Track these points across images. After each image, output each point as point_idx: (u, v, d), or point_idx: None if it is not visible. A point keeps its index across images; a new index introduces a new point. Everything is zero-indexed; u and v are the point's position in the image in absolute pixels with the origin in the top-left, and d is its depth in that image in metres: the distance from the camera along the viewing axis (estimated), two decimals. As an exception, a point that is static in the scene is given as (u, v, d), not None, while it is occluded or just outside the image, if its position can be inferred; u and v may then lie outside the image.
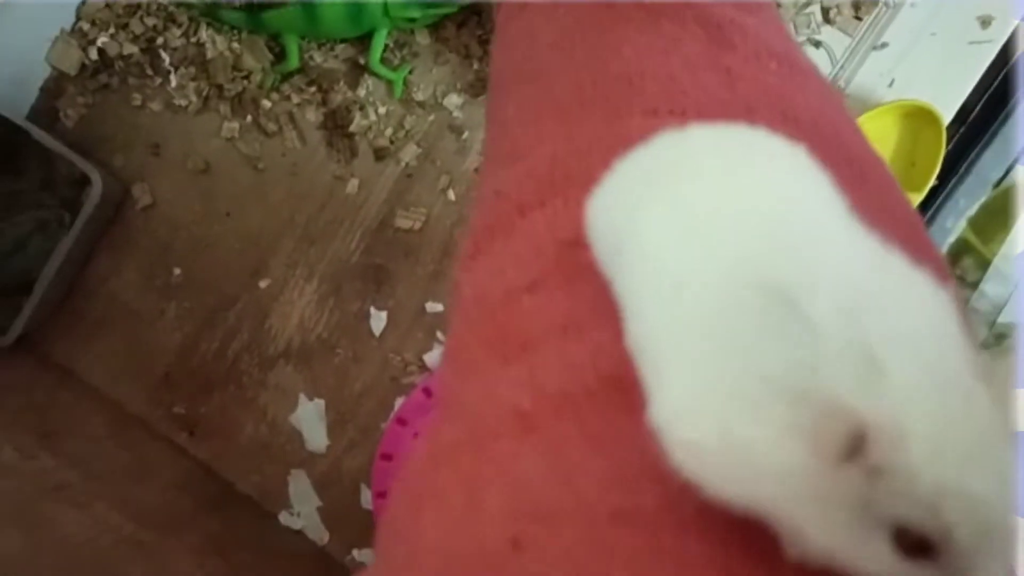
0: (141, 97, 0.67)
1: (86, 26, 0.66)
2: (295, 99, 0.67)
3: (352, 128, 0.66)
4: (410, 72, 0.66)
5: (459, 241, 0.66)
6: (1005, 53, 0.63)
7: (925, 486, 0.14)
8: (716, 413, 0.16)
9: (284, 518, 0.68)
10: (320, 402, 0.68)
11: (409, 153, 0.67)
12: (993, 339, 0.59)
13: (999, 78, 0.63)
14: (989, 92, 0.63)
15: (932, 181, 0.60)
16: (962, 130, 0.64)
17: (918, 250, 0.17)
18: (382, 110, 0.67)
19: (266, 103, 0.67)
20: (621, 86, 0.25)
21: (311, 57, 0.67)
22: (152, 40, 0.66)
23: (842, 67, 0.65)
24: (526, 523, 0.18)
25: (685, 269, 0.17)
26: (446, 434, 0.22)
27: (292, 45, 0.65)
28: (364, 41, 0.65)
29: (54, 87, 0.68)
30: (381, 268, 0.68)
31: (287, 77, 0.67)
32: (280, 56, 0.66)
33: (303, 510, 0.68)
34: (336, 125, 0.67)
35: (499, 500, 0.19)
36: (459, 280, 0.25)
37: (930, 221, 0.62)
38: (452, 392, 0.24)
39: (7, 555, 0.47)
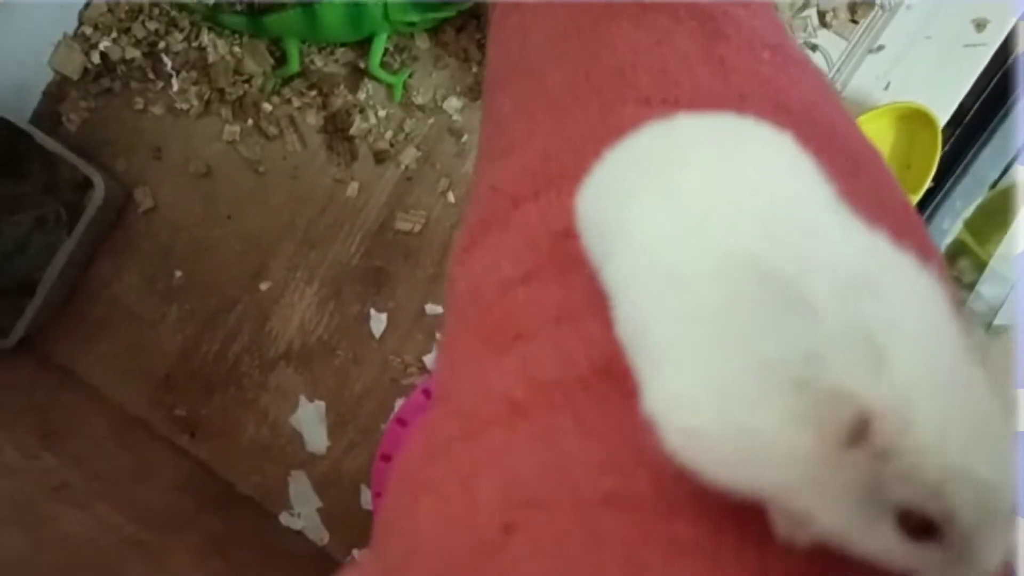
0: (143, 101, 0.68)
1: (89, 30, 0.67)
2: (296, 103, 0.67)
3: (352, 131, 0.67)
4: (410, 76, 0.67)
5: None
6: (1000, 55, 0.63)
7: (930, 470, 0.14)
8: (715, 400, 0.16)
9: (284, 519, 0.68)
10: (320, 403, 0.68)
11: (409, 156, 0.67)
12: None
13: (994, 80, 0.63)
14: (985, 94, 0.64)
15: (928, 183, 0.61)
16: (958, 132, 0.64)
17: (914, 243, 0.17)
18: (382, 113, 0.67)
19: (267, 107, 0.67)
20: (614, 78, 0.25)
21: (312, 61, 0.67)
22: (154, 44, 0.67)
23: (838, 70, 0.65)
24: (518, 509, 0.18)
25: (678, 258, 0.17)
26: (441, 427, 0.22)
27: (293, 49, 0.65)
28: (364, 45, 0.65)
29: (57, 91, 0.68)
30: (381, 270, 0.68)
31: (288, 81, 0.67)
32: (281, 60, 0.67)
33: (303, 511, 0.68)
34: (336, 128, 0.67)
35: (492, 488, 0.19)
36: (454, 273, 0.25)
37: (926, 223, 0.63)
38: (447, 384, 0.24)
39: (8, 555, 0.47)
